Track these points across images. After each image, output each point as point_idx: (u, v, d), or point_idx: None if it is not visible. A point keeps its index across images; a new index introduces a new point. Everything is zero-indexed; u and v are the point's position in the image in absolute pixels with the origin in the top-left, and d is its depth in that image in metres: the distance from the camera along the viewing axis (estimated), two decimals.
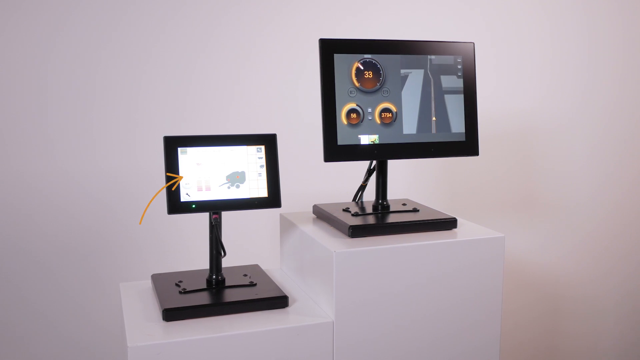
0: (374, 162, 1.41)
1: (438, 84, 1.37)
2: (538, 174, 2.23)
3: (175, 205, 1.21)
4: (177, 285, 1.31)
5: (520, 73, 2.14)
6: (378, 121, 1.33)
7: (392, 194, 1.46)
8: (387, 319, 1.27)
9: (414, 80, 1.35)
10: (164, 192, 1.23)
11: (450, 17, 2.03)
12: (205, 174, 1.24)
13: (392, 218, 1.37)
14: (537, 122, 2.18)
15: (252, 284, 1.32)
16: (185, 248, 1.82)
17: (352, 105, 1.31)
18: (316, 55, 1.29)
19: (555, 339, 2.36)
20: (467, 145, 1.39)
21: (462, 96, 1.38)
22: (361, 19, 1.93)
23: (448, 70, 1.37)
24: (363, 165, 1.45)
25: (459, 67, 1.38)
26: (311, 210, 1.51)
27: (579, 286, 2.35)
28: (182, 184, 1.22)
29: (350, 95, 1.31)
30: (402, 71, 1.34)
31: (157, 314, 1.22)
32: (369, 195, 1.46)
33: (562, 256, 2.31)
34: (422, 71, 1.36)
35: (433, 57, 1.36)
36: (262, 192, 1.27)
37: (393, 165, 1.43)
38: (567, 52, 2.20)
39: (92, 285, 1.77)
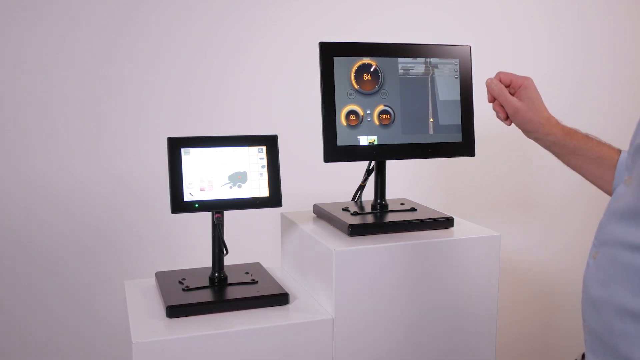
0: (373, 163, 1.42)
1: (435, 86, 1.38)
2: (533, 174, 2.25)
3: (179, 204, 1.23)
4: (180, 282, 1.32)
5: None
6: (377, 122, 1.34)
7: (390, 194, 1.47)
8: (386, 315, 1.28)
9: (412, 82, 1.37)
10: (167, 192, 1.25)
11: (448, 21, 2.05)
12: (207, 174, 1.25)
13: (390, 217, 1.38)
14: None
15: (253, 282, 1.33)
16: (188, 247, 1.83)
17: (352, 107, 1.33)
18: (316, 58, 1.31)
19: (550, 334, 2.38)
20: (464, 146, 1.40)
21: (459, 98, 1.39)
22: (360, 22, 1.95)
23: (445, 72, 1.39)
24: (362, 166, 1.46)
25: (456, 69, 1.40)
26: (311, 209, 1.52)
27: (574, 283, 2.34)
28: (185, 184, 1.23)
29: (350, 97, 1.33)
30: (400, 73, 1.36)
31: (161, 310, 1.24)
32: (368, 194, 1.47)
33: (556, 254, 2.32)
34: (420, 73, 1.37)
35: (431, 59, 1.37)
36: (264, 191, 1.29)
37: (391, 165, 1.44)
38: (563, 54, 2.22)
39: (97, 283, 1.79)
